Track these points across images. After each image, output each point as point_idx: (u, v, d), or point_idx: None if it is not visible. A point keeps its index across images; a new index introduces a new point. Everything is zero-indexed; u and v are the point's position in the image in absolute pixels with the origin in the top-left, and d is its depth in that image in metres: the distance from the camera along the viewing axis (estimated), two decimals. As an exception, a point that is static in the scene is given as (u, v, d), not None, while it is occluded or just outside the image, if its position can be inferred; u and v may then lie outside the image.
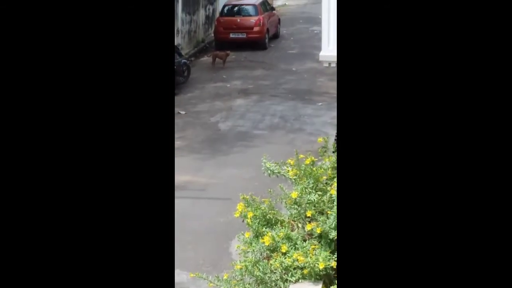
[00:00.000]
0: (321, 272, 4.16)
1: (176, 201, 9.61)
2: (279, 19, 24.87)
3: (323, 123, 13.63)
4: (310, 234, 4.49)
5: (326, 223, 4.38)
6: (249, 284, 4.44)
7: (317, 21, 23.08)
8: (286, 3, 30.95)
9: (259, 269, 4.33)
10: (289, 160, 5.03)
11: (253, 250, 4.49)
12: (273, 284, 4.32)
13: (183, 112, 15.01)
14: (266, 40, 22.63)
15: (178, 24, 20.84)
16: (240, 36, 22.14)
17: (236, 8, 23.02)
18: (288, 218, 4.71)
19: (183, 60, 17.71)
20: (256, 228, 4.59)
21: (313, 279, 4.18)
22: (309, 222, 4.54)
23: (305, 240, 4.43)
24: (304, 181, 4.77)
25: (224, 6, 23.30)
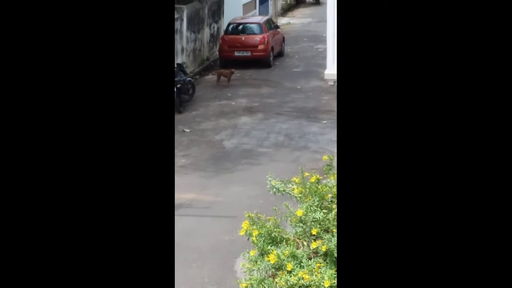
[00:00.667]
0: (326, 291, 4.15)
1: (181, 219, 9.62)
2: (283, 37, 24.94)
3: (328, 141, 13.62)
4: (316, 252, 4.48)
5: (331, 241, 4.37)
6: (254, 302, 4.43)
7: (321, 39, 23.17)
8: (291, 22, 31.06)
9: (265, 288, 4.32)
10: (294, 178, 5.04)
11: (258, 268, 4.48)
12: (278, 302, 4.31)
13: (188, 130, 15.04)
14: (271, 58, 22.69)
15: (183, 42, 20.92)
16: (245, 54, 22.20)
17: (240, 27, 23.11)
18: (293, 236, 4.71)
19: (188, 78, 17.75)
20: (261, 246, 4.58)
21: (318, 297, 4.17)
22: (315, 240, 4.54)
23: (310, 258, 4.43)
24: (309, 199, 4.77)
25: (228, 25, 23.38)
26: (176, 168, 12.25)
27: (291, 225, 4.78)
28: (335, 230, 4.44)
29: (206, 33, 23.60)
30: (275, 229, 4.72)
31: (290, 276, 4.24)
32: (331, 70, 9.10)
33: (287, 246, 4.49)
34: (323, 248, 4.37)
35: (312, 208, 4.67)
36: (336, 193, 5.02)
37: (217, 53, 23.28)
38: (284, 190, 4.87)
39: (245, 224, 4.73)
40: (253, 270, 4.51)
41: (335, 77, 8.98)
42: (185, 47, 21.02)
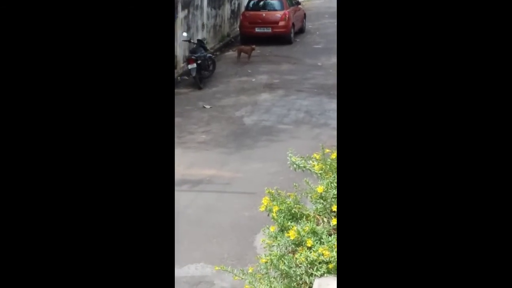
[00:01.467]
0: (346, 267, 4.15)
1: (201, 195, 9.71)
2: (304, 14, 24.82)
3: (348, 118, 13.56)
4: (336, 229, 4.47)
5: (351, 217, 4.36)
6: (274, 278, 4.44)
7: (343, 15, 22.98)
8: (312, -2, 30.88)
9: (284, 263, 4.33)
10: (315, 155, 5.02)
11: (278, 244, 4.48)
12: (298, 278, 4.31)
13: (208, 106, 15.05)
14: (292, 35, 22.60)
15: (204, 18, 20.87)
16: (266, 30, 22.13)
17: (261, 3, 23.01)
18: (314, 213, 4.70)
19: (208, 55, 17.74)
20: (281, 222, 4.58)
21: (338, 273, 4.17)
22: (335, 216, 4.53)
23: (330, 235, 4.42)
24: (330, 176, 4.76)
25: (249, 1, 23.30)
26: (196, 144, 12.32)
27: (312, 201, 4.76)
28: (355, 207, 4.43)
29: (227, 9, 23.53)
30: (295, 205, 4.71)
31: (310, 252, 4.24)
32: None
33: (307, 222, 4.49)
34: (343, 225, 4.36)
35: (332, 184, 4.65)
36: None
37: (238, 29, 23.22)
38: (304, 167, 4.85)
39: (265, 200, 4.72)
40: (273, 246, 4.52)
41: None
42: (205, 23, 20.98)
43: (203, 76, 17.05)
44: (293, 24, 22.63)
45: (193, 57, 16.70)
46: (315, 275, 4.21)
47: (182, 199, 9.29)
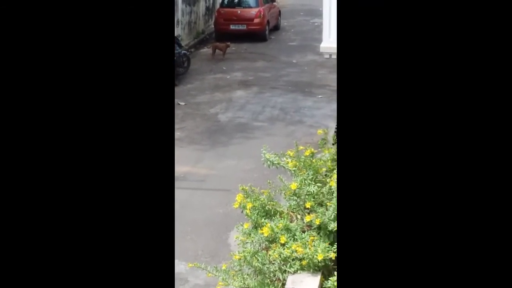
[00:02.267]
0: (319, 264, 4.17)
1: (176, 192, 9.64)
2: (279, 11, 24.83)
3: (323, 116, 13.64)
4: (309, 226, 4.49)
5: (325, 214, 4.38)
6: (247, 274, 4.45)
7: (317, 13, 23.05)
8: (287, -5, 30.89)
9: (258, 260, 4.34)
10: (289, 152, 5.04)
11: (252, 241, 4.49)
12: (271, 274, 4.33)
13: (182, 103, 15.00)
14: (267, 32, 22.60)
15: (178, 15, 20.80)
16: (241, 27, 22.12)
17: (236, 0, 23.00)
18: (287, 209, 4.72)
19: (183, 51, 17.69)
20: (255, 219, 4.59)
21: (311, 270, 4.19)
22: (308, 213, 4.55)
23: (304, 232, 4.44)
24: (304, 173, 4.78)
25: (224, -3, 23.26)
26: (170, 141, 12.28)
27: (285, 198, 4.78)
28: (329, 204, 4.46)
29: (202, 5, 23.48)
30: (269, 202, 4.73)
31: (284, 249, 4.25)
32: (327, 43, 9.08)
33: (281, 219, 4.50)
34: (317, 222, 4.37)
35: (306, 181, 4.67)
36: (330, 167, 5.04)
37: (213, 26, 23.17)
38: (278, 164, 4.86)
39: (239, 197, 4.73)
40: (247, 242, 4.53)
41: (331, 51, 8.96)
42: (180, 19, 20.91)
43: (177, 73, 16.99)
44: (268, 21, 22.64)
45: (167, 54, 16.64)
46: (288, 271, 4.22)
47: (156, 196, 9.26)
